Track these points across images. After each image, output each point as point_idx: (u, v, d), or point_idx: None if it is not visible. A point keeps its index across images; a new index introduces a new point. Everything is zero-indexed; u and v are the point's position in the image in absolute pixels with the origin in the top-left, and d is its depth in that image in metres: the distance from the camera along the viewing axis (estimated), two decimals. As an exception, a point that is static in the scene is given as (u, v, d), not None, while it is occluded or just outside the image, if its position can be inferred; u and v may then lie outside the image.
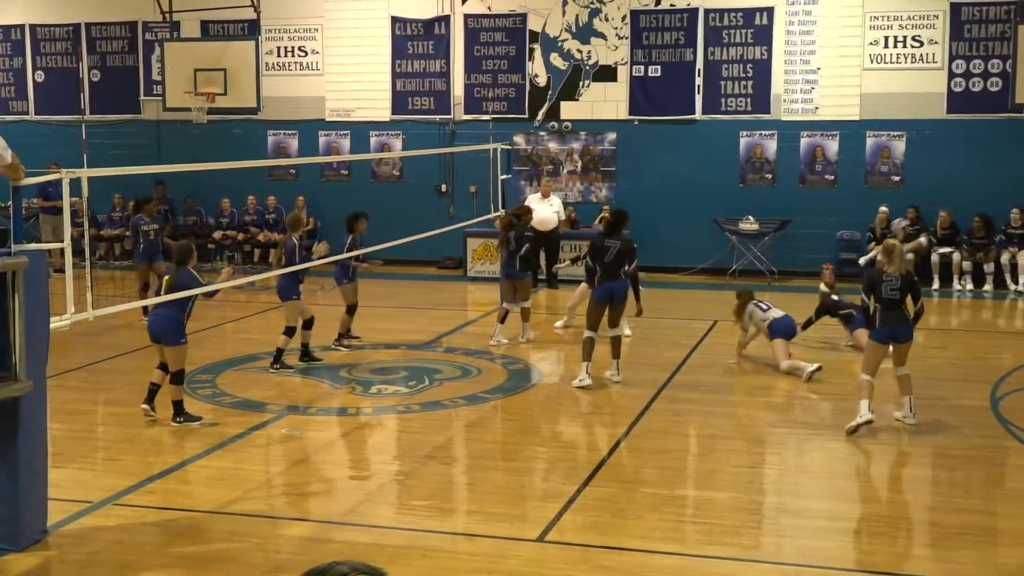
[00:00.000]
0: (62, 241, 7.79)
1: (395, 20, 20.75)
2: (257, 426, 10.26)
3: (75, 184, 8.03)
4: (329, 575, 2.46)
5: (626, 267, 11.77)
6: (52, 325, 7.55)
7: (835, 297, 13.54)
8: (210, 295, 10.61)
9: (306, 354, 12.70)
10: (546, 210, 18.43)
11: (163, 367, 10.21)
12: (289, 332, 12.41)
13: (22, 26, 22.60)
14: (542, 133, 20.48)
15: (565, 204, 19.72)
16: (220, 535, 7.58)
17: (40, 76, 22.67)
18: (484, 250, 19.33)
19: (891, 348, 10.25)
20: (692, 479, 8.88)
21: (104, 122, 22.01)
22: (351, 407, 10.94)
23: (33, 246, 7.49)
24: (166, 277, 10.30)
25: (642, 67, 19.84)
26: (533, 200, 18.56)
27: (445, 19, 20.58)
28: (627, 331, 13.99)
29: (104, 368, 12.61)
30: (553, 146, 20.47)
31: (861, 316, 12.85)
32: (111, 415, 10.87)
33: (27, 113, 22.65)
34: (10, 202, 7.53)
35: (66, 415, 10.35)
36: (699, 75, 19.57)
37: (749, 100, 19.43)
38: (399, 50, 20.81)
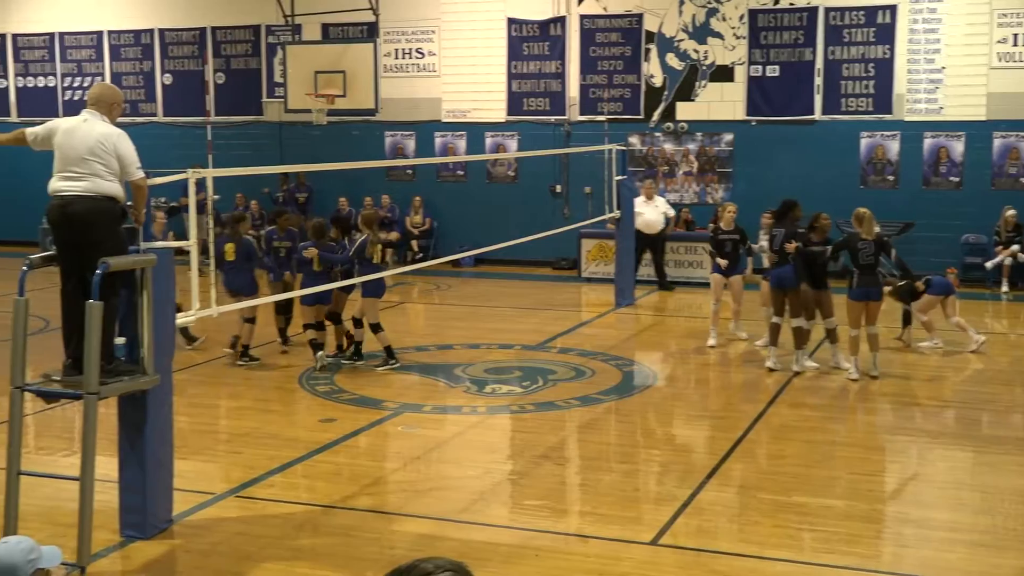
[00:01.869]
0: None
1: (511, 21, 20.85)
2: (374, 423, 10.41)
3: (201, 183, 8.27)
4: (414, 573, 2.45)
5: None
6: (178, 321, 7.77)
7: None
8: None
9: (358, 352, 12.80)
10: (652, 212, 18.30)
11: (311, 326, 12.40)
12: (377, 327, 12.50)
13: (151, 30, 23.33)
14: (658, 134, 20.36)
15: (679, 206, 19.56)
16: (337, 529, 7.71)
17: (168, 79, 23.36)
18: (599, 251, 19.28)
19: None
20: (809, 486, 8.70)
21: (228, 123, 22.57)
22: (466, 406, 11.02)
23: (161, 244, 7.72)
24: (313, 250, 12.15)
25: (760, 67, 19.58)
26: (637, 202, 18.38)
27: (561, 20, 20.60)
28: (743, 334, 13.89)
29: (227, 363, 12.92)
30: (669, 147, 20.32)
31: (941, 280, 13.32)
32: (234, 409, 11.15)
33: (155, 115, 23.36)
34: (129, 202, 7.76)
35: (190, 408, 10.64)
36: (819, 75, 19.24)
37: (870, 100, 19.03)
38: (515, 51, 20.90)
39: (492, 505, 8.30)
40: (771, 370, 12.22)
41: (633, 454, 9.72)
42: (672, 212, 18.78)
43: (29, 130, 7.52)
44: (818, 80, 19.24)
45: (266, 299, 12.13)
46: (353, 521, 7.82)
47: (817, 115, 19.33)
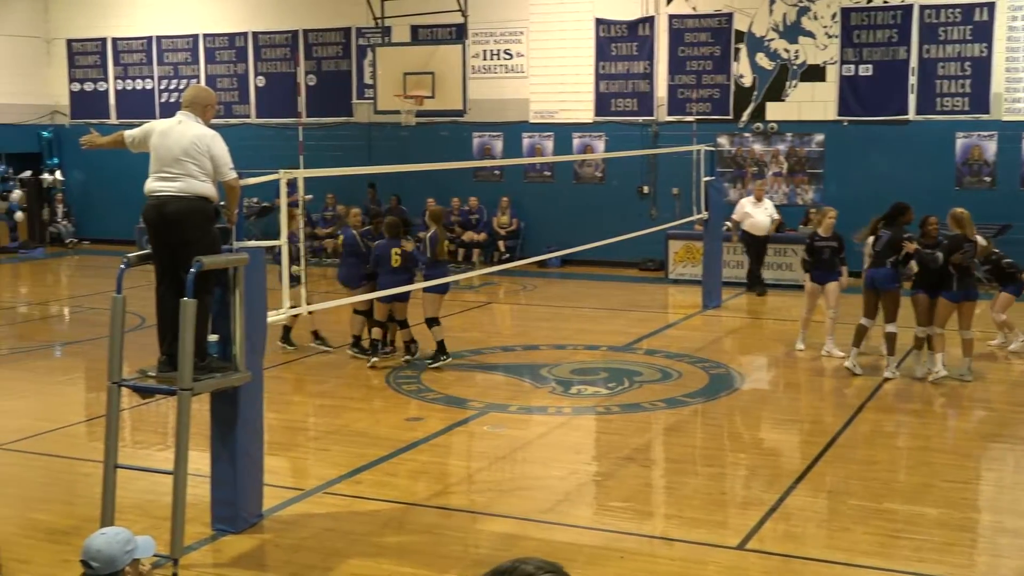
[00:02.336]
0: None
1: (599, 22, 20.81)
2: (460, 422, 10.47)
3: (292, 184, 8.39)
4: (515, 574, 2.46)
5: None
6: (269, 319, 7.90)
7: (996, 251, 13.35)
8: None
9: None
10: (760, 214, 18.03)
11: (379, 324, 12.68)
12: (433, 322, 12.51)
13: (245, 34, 23.75)
14: (747, 134, 20.16)
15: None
16: (423, 527, 7.77)
17: (261, 81, 23.76)
18: (686, 252, 19.15)
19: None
20: (901, 492, 8.55)
21: (319, 124, 22.88)
22: (551, 406, 11.03)
23: (252, 243, 7.84)
24: (408, 243, 12.53)
25: (852, 66, 19.28)
26: (746, 203, 18.20)
27: (649, 20, 20.51)
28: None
29: (316, 362, 13.10)
30: (758, 148, 20.11)
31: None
32: (323, 407, 11.29)
33: (248, 116, 23.78)
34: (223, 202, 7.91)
35: (280, 405, 10.82)
36: (913, 74, 18.88)
37: (967, 100, 18.62)
38: (603, 51, 20.86)
39: (577, 506, 8.30)
40: (850, 372, 12.00)
41: (719, 457, 9.63)
42: (778, 215, 18.45)
43: (127, 132, 7.70)
44: (912, 79, 18.89)
45: (371, 295, 12.08)
46: (438, 519, 7.88)
47: (911, 115, 18.97)
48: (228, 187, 7.44)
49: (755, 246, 18.09)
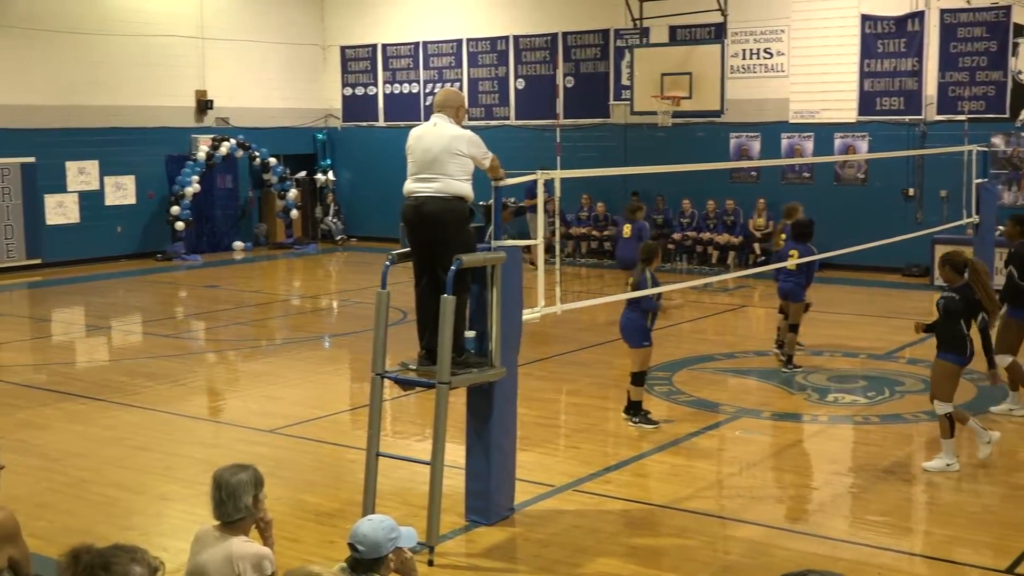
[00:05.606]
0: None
1: (865, 18, 20.10)
2: (711, 426, 10.36)
3: (549, 184, 8.53)
4: None
5: None
6: (524, 317, 8.06)
7: None
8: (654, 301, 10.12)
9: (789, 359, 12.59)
10: None
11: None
12: (794, 330, 12.51)
13: (506, 37, 24.28)
14: (1024, 134, 19.02)
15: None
16: (671, 530, 7.74)
17: (520, 83, 24.24)
18: (954, 258, 18.21)
19: None
20: None
21: (575, 126, 23.12)
22: (806, 414, 10.75)
23: (509, 242, 8.02)
24: (631, 278, 10.64)
25: None
26: None
27: (919, 15, 19.64)
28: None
29: (569, 360, 13.26)
30: (1037, 148, 18.92)
31: None
32: (573, 405, 11.42)
33: (508, 118, 24.30)
34: (491, 200, 8.13)
35: (533, 402, 10.99)
36: None
37: None
38: (868, 49, 20.13)
39: (832, 518, 8.06)
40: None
41: (987, 474, 9.12)
42: None
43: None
44: None
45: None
46: (687, 523, 7.83)
47: None
48: (491, 170, 7.69)
49: None
